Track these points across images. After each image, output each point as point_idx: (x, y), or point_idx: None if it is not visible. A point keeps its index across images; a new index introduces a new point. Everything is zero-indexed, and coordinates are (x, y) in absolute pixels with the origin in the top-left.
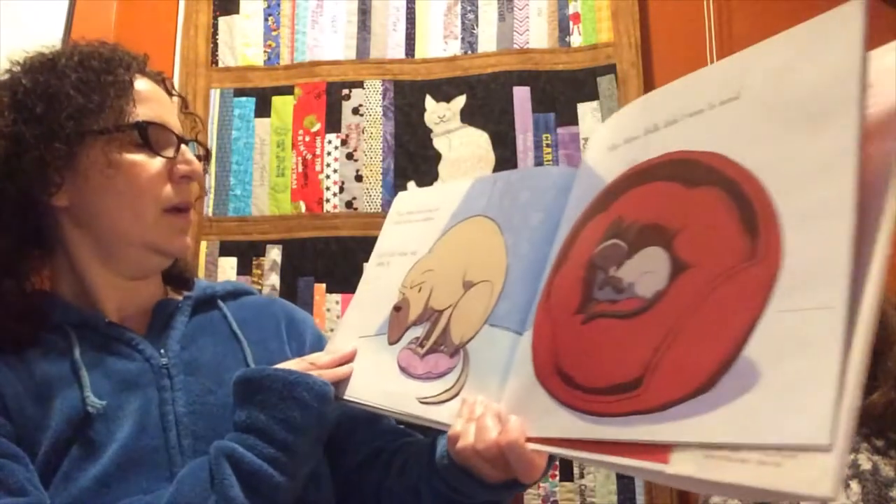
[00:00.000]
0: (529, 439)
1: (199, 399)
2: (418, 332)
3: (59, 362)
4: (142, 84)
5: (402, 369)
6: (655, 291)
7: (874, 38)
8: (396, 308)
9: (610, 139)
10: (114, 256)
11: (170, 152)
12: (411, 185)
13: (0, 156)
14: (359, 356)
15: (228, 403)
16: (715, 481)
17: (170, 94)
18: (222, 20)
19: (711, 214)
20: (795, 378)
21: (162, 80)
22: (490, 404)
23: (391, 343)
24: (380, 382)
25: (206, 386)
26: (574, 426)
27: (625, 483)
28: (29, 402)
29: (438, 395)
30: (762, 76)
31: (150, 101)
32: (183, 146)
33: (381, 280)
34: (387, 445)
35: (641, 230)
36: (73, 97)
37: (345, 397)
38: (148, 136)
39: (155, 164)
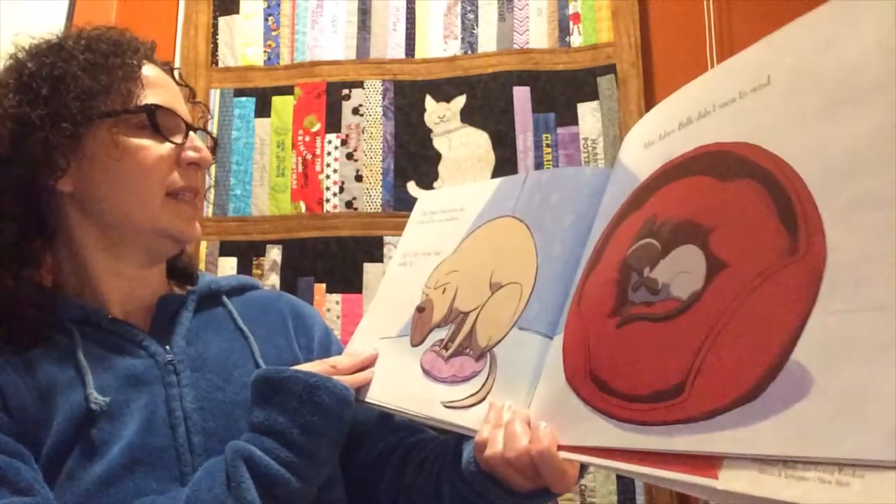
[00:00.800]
0: (561, 447)
1: (207, 395)
2: (442, 333)
3: (63, 360)
4: (150, 70)
5: (426, 372)
6: (692, 292)
7: None
8: (420, 309)
9: (645, 136)
10: (120, 244)
11: (178, 138)
12: (411, 185)
13: (5, 138)
14: (381, 358)
15: (238, 401)
16: (771, 498)
17: (178, 84)
18: (222, 20)
19: (747, 209)
20: (855, 386)
21: (170, 70)
22: (519, 410)
23: (414, 345)
24: (403, 385)
25: (214, 382)
26: (612, 435)
27: (625, 483)
28: (32, 400)
29: (464, 399)
30: (793, 59)
31: (158, 87)
32: (192, 133)
33: (403, 280)
34: (401, 441)
35: (675, 228)
36: (80, 78)
37: (367, 400)
38: (156, 120)
39: (163, 148)
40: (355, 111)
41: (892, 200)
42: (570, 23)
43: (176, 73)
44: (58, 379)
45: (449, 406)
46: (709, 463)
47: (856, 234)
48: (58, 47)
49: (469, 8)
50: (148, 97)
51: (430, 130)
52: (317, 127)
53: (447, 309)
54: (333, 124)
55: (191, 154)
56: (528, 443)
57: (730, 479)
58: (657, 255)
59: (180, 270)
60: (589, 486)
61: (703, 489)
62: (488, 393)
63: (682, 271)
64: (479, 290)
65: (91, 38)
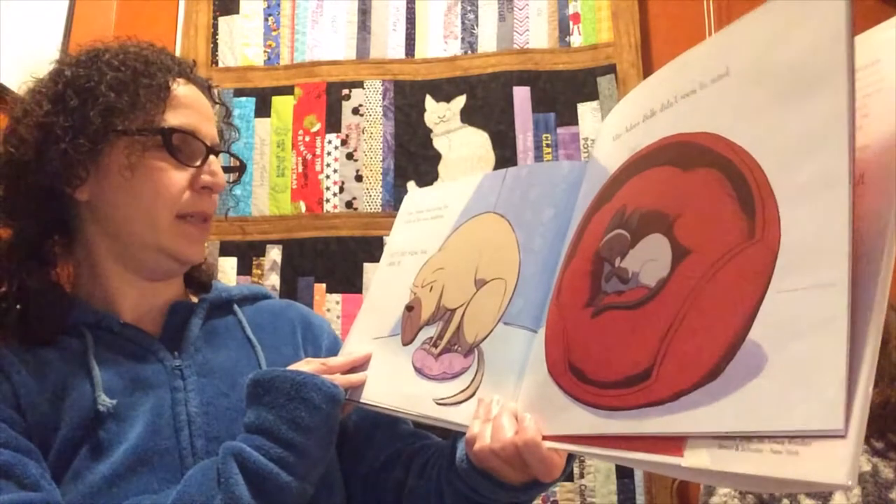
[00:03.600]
0: (546, 437)
1: (212, 401)
2: (431, 331)
3: (74, 362)
4: (182, 90)
5: (418, 370)
6: (659, 279)
7: None
8: (409, 308)
9: (614, 129)
10: (128, 256)
11: (196, 161)
12: (411, 185)
13: (30, 144)
14: (374, 358)
15: (242, 408)
16: (730, 472)
17: (214, 103)
18: (222, 20)
19: (708, 196)
20: (801, 361)
21: (208, 88)
22: (506, 403)
23: (405, 343)
24: (395, 384)
25: (220, 389)
26: (587, 422)
27: (625, 483)
28: (42, 400)
29: (454, 395)
30: (749, 49)
31: (185, 108)
32: (212, 157)
33: (393, 280)
34: (405, 447)
35: (642, 218)
36: (106, 94)
37: (361, 401)
38: (171, 142)
39: (178, 171)
40: (355, 111)
41: (841, 180)
42: (570, 23)
43: (215, 92)
44: (69, 380)
45: (440, 403)
46: (674, 443)
47: (807, 214)
48: (94, 59)
49: (469, 8)
50: (170, 118)
51: (430, 130)
52: (317, 127)
53: (435, 307)
54: (333, 124)
55: (205, 178)
56: (513, 434)
57: (692, 457)
58: (627, 245)
59: (196, 279)
60: (589, 486)
61: (669, 468)
62: (477, 388)
63: (649, 259)
64: (464, 286)
65: (127, 54)
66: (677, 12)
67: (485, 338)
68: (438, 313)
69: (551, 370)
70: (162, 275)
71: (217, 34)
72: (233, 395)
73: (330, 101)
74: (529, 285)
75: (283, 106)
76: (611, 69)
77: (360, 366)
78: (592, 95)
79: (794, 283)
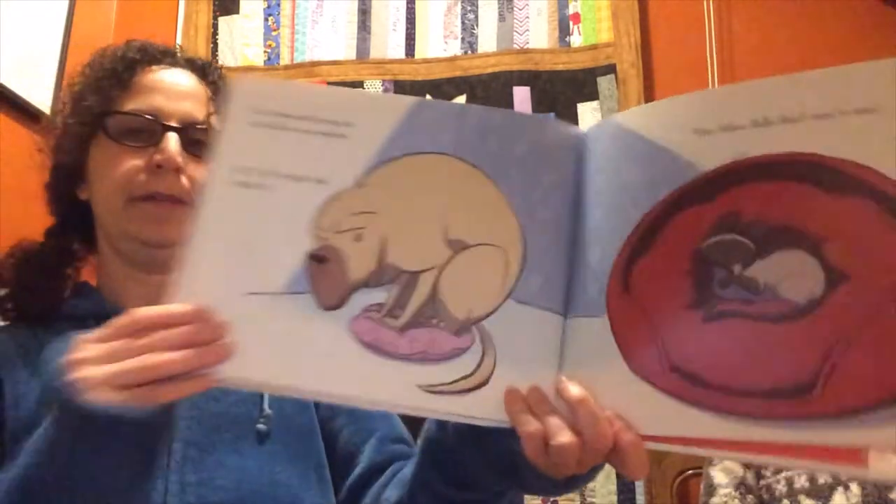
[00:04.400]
0: (646, 437)
1: (199, 405)
2: (376, 296)
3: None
4: (151, 76)
5: (369, 345)
6: (810, 297)
7: (874, 38)
8: (318, 258)
9: (695, 122)
10: (119, 248)
11: (145, 141)
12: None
13: (53, 145)
14: (251, 323)
15: (231, 413)
16: None
17: (206, 81)
18: (222, 20)
19: (866, 226)
20: None
21: (200, 68)
22: (572, 388)
23: (328, 307)
24: (332, 363)
25: (212, 393)
26: (715, 426)
27: (625, 483)
28: (24, 376)
29: (455, 381)
30: None
31: (147, 92)
32: (169, 134)
33: (258, 210)
34: (392, 460)
35: (772, 230)
36: (83, 96)
37: (239, 377)
38: (107, 127)
39: (129, 155)
40: None
41: None
42: (570, 23)
43: (202, 71)
44: (56, 364)
45: (433, 391)
46: (853, 453)
47: None
48: (85, 65)
49: (469, 8)
50: (126, 105)
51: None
52: None
53: (374, 264)
54: None
55: (156, 157)
56: (617, 432)
57: (881, 465)
58: (750, 253)
59: None
60: (589, 486)
61: (850, 473)
62: (490, 374)
63: (790, 275)
64: (427, 245)
65: (104, 56)
66: (677, 12)
67: (486, 315)
68: (384, 273)
69: (638, 370)
70: (149, 263)
71: (217, 34)
72: (224, 399)
73: None
74: (545, 262)
75: None
76: (611, 69)
77: (217, 334)
78: (592, 95)
79: None
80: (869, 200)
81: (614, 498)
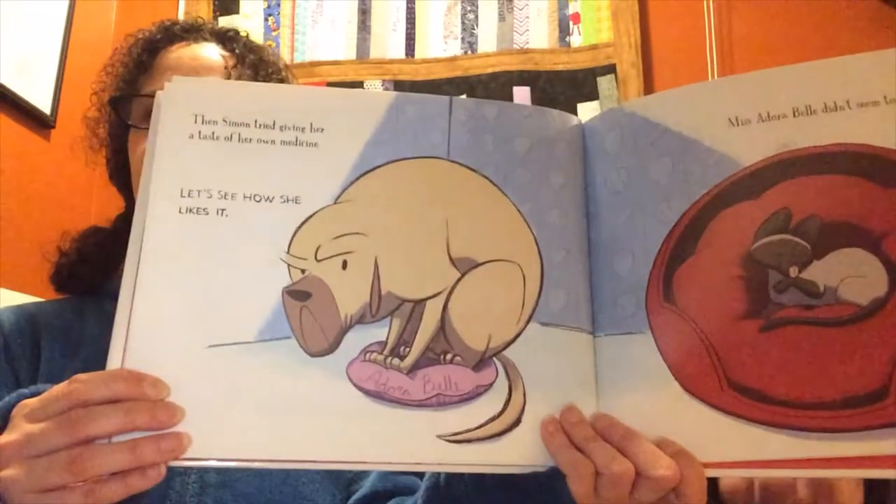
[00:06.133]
0: (708, 465)
1: None
2: (375, 333)
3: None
4: (171, 55)
5: (374, 394)
6: (874, 298)
7: (874, 38)
8: (298, 294)
9: (730, 112)
10: None
11: None
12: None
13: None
14: (218, 383)
15: None
16: None
17: (231, 51)
18: (222, 20)
19: None
20: None
21: (224, 39)
22: (616, 424)
23: (317, 353)
24: (330, 422)
25: None
26: (785, 445)
27: None
28: (58, 353)
29: (483, 425)
30: None
31: (166, 72)
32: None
33: (213, 241)
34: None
35: (828, 228)
36: (111, 82)
37: (253, 456)
38: (128, 111)
39: (142, 137)
40: None
41: None
42: (570, 23)
43: (231, 43)
44: (91, 343)
45: (458, 440)
46: None
47: None
48: (115, 50)
49: (469, 8)
50: (147, 88)
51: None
52: None
53: (368, 294)
54: None
55: None
56: (683, 464)
57: None
58: (806, 254)
59: None
60: None
61: None
62: (521, 411)
63: (851, 275)
64: (429, 267)
65: (129, 41)
66: (677, 12)
67: (507, 343)
68: (381, 305)
69: (692, 388)
70: None
71: None
72: None
73: None
74: (566, 275)
75: None
76: (611, 69)
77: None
78: (592, 95)
79: None
80: None
81: None
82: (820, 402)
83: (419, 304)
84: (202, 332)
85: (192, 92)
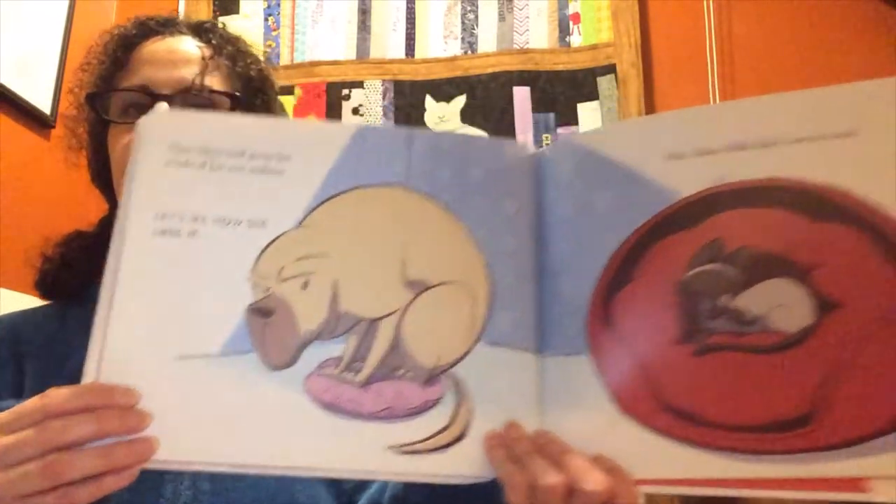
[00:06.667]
0: (640, 482)
1: None
2: (332, 349)
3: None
4: (146, 49)
5: (329, 406)
6: (802, 327)
7: (874, 38)
8: (261, 311)
9: (668, 147)
10: None
11: (138, 115)
12: (163, 105)
13: (77, 137)
14: (185, 392)
15: None
16: None
17: (209, 44)
18: (222, 20)
19: (853, 253)
20: None
21: (200, 32)
22: (554, 440)
23: (277, 366)
24: (287, 431)
25: None
26: (720, 465)
27: None
28: (50, 367)
29: (432, 437)
30: (884, 119)
31: (140, 66)
32: (160, 105)
33: (184, 261)
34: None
35: (758, 258)
36: (88, 80)
37: (166, 460)
38: (106, 107)
39: (123, 133)
40: (355, 111)
41: None
42: (570, 23)
43: (207, 35)
44: (73, 348)
45: (407, 451)
46: (854, 481)
47: None
48: (90, 48)
49: (469, 8)
50: (123, 83)
51: (430, 130)
52: None
53: (326, 312)
54: None
55: None
56: (612, 478)
57: (885, 491)
58: (737, 283)
59: None
60: None
61: (852, 499)
62: (467, 425)
63: (779, 304)
64: (385, 288)
65: (104, 37)
66: (677, 12)
67: (456, 361)
68: (339, 323)
69: (628, 409)
70: None
71: None
72: None
73: (330, 101)
74: (515, 297)
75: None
76: (611, 69)
77: (141, 422)
78: (592, 95)
79: None
80: (853, 227)
81: None
82: (748, 425)
83: (374, 322)
84: (172, 344)
85: (168, 123)
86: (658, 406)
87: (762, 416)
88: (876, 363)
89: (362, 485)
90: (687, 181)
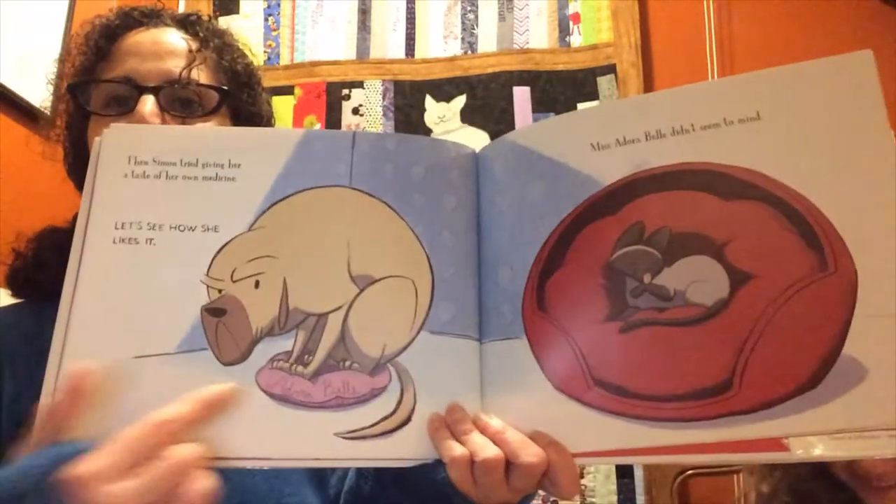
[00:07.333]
0: (577, 454)
1: None
2: (284, 344)
3: None
4: (128, 41)
5: (280, 398)
6: (718, 300)
7: (874, 38)
8: (214, 311)
9: (591, 138)
10: None
11: (122, 107)
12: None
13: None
14: (142, 389)
15: None
16: (851, 456)
17: (194, 36)
18: (222, 20)
19: (762, 227)
20: None
21: (186, 24)
22: (492, 420)
23: (229, 362)
24: (239, 423)
25: None
26: (644, 434)
27: (625, 483)
28: (27, 367)
29: (378, 423)
30: (784, 103)
31: (122, 58)
32: (144, 97)
33: (142, 266)
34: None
35: (676, 238)
36: (72, 73)
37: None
38: (88, 99)
39: (103, 124)
40: (355, 111)
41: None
42: (570, 23)
43: (195, 28)
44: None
45: (354, 437)
46: (775, 441)
47: (874, 258)
48: (73, 40)
49: (469, 8)
50: (106, 75)
51: (430, 130)
52: (317, 127)
53: (277, 309)
54: (333, 124)
55: (131, 122)
56: (547, 452)
57: (802, 447)
58: (658, 262)
59: None
60: (589, 485)
61: (775, 459)
62: (412, 411)
63: (697, 280)
64: (331, 284)
65: (87, 28)
66: (677, 12)
67: (400, 350)
68: (289, 319)
69: (562, 386)
70: None
71: None
72: None
73: (330, 101)
74: (456, 288)
75: (283, 106)
76: (611, 69)
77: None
78: (592, 95)
79: (877, 311)
80: (761, 203)
81: (614, 498)
82: (673, 394)
83: (322, 317)
84: (129, 344)
85: (126, 136)
86: (590, 382)
87: (685, 386)
88: (786, 329)
89: (343, 485)
90: (610, 169)
